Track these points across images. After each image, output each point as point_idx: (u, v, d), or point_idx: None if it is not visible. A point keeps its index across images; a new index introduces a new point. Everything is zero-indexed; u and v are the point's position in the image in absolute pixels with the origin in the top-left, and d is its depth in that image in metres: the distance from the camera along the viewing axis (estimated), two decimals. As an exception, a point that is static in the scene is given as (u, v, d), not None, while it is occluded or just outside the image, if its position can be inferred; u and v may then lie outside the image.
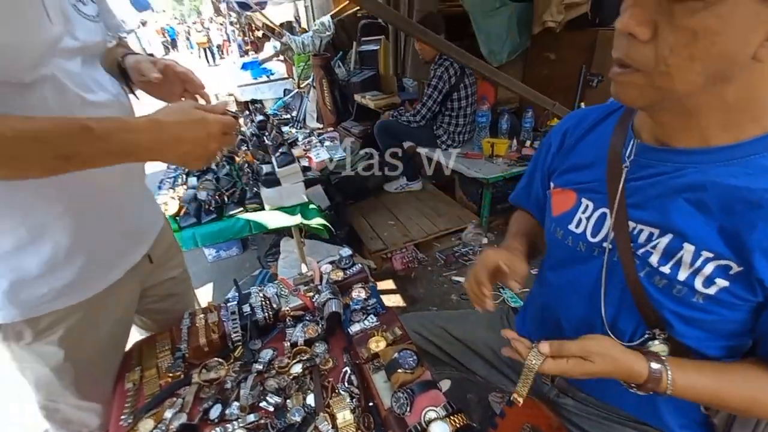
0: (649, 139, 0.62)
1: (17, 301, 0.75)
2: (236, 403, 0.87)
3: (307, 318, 1.05)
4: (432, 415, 0.68)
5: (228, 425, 0.83)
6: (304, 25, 5.93)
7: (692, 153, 0.56)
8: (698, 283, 0.56)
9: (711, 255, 0.54)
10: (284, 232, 2.33)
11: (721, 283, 0.54)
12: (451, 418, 0.67)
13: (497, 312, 1.04)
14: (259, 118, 2.95)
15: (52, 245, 0.75)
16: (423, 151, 2.91)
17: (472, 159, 2.65)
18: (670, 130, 0.57)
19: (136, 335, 1.09)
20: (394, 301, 2.20)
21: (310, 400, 0.86)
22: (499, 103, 3.30)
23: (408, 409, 0.70)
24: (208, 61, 15.52)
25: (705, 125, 0.54)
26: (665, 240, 0.58)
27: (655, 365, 0.57)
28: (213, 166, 2.16)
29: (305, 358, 0.94)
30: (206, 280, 2.53)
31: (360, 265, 1.16)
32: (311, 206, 1.78)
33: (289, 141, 2.35)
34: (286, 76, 5.57)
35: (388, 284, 2.31)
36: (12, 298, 0.75)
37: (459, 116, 2.79)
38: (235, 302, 1.05)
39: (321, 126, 3.88)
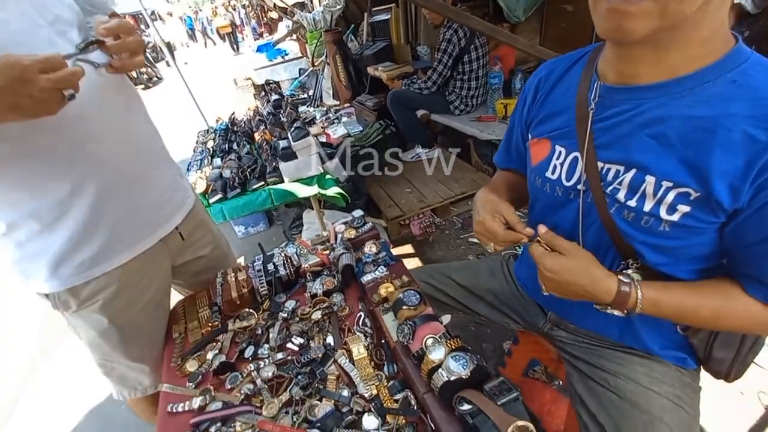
0: (613, 79, 0.64)
1: (56, 273, 0.87)
2: (266, 345, 1.00)
3: (325, 273, 1.15)
4: (431, 341, 0.76)
5: (260, 362, 0.96)
6: (316, 2, 5.88)
7: (652, 88, 0.59)
8: (663, 212, 0.60)
9: (671, 184, 0.58)
10: (305, 204, 2.45)
11: (683, 209, 0.58)
12: (447, 342, 0.75)
13: (497, 260, 1.10)
14: (275, 97, 3.04)
15: (73, 222, 0.84)
16: (437, 117, 2.92)
17: (486, 122, 2.64)
18: (636, 65, 0.60)
19: (178, 296, 1.23)
20: (413, 264, 2.30)
21: (330, 340, 0.97)
22: (518, 63, 3.22)
23: (411, 338, 0.79)
24: (233, 49, 14.17)
25: (674, 57, 0.57)
26: (629, 175, 0.62)
27: (624, 279, 0.62)
28: (234, 146, 2.29)
29: (324, 306, 1.05)
30: (237, 254, 2.70)
31: (371, 224, 1.24)
32: (327, 177, 1.87)
33: (306, 120, 2.43)
34: (300, 55, 5.59)
35: (407, 249, 2.40)
36: (52, 271, 0.87)
37: (471, 79, 2.76)
38: (260, 262, 1.17)
39: (337, 102, 3.92)
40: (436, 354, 0.73)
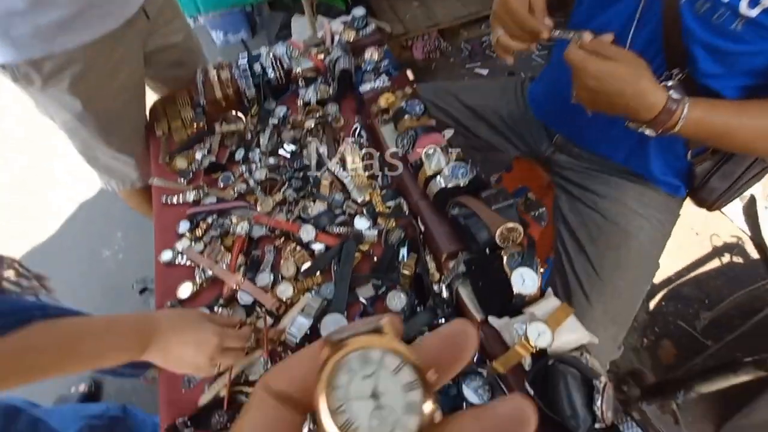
0: None
1: (10, 39, 0.78)
2: (257, 149, 0.96)
3: (319, 80, 1.04)
4: (431, 151, 0.73)
5: (252, 165, 0.94)
6: None
7: None
8: (743, 5, 0.51)
9: None
10: (294, 7, 2.10)
11: (766, 2, 0.49)
12: (449, 153, 0.72)
13: (512, 80, 1.00)
14: None
15: None
16: None
17: None
18: None
19: (155, 98, 1.13)
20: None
21: (323, 149, 0.94)
22: None
23: (411, 148, 0.76)
24: None
25: None
26: None
27: (674, 96, 0.55)
28: None
29: (318, 116, 0.98)
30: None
31: (374, 26, 1.07)
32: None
33: None
34: None
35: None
36: (4, 37, 0.78)
37: None
38: (245, 60, 1.03)
39: None
40: (436, 163, 0.71)
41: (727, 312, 1.29)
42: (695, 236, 1.52)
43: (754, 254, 1.46)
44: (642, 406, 0.97)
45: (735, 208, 1.54)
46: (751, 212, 1.42)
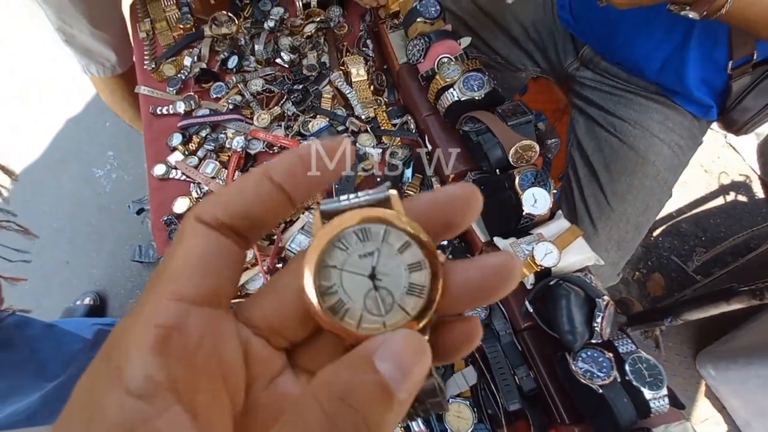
0: None
1: None
2: (252, 57, 0.88)
3: (320, -23, 0.92)
4: (445, 60, 0.66)
5: (246, 75, 0.86)
6: None
7: None
8: None
9: None
10: None
11: None
12: (465, 62, 0.66)
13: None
14: None
15: None
16: None
17: None
18: None
19: None
20: None
21: (325, 59, 0.86)
22: None
23: (422, 56, 0.69)
24: None
25: None
26: None
27: None
28: None
29: (318, 20, 0.88)
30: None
31: None
32: None
33: None
34: None
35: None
36: None
37: None
38: (235, -51, 0.90)
39: None
40: (450, 72, 0.64)
41: (722, 251, 1.30)
42: (703, 173, 1.49)
43: (760, 194, 1.45)
44: (627, 331, 1.01)
45: (750, 144, 1.49)
46: (765, 150, 1.38)
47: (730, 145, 1.53)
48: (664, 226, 1.42)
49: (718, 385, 1.12)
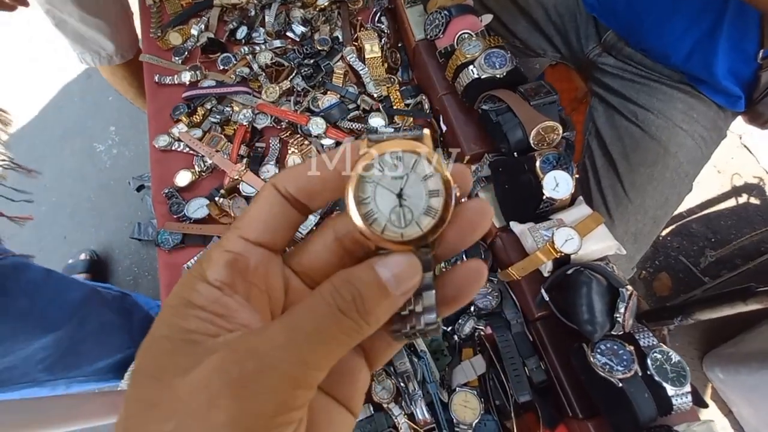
0: None
1: None
2: (261, 29, 0.84)
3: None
4: (466, 35, 0.63)
5: (255, 47, 0.83)
6: None
7: None
8: None
9: None
10: None
11: None
12: (486, 39, 0.62)
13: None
14: None
15: None
16: None
17: None
18: None
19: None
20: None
21: (338, 34, 0.83)
22: None
23: (442, 31, 0.65)
24: None
25: None
26: None
27: None
28: None
29: (332, -9, 0.85)
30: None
31: None
32: None
33: None
34: None
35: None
36: None
37: None
38: None
39: None
40: (471, 48, 0.61)
41: (731, 253, 1.28)
42: (717, 174, 1.45)
43: (773, 196, 1.42)
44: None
45: (764, 146, 1.46)
46: (782, 152, 1.35)
47: (745, 146, 1.50)
48: (673, 226, 1.39)
49: (726, 389, 1.09)
